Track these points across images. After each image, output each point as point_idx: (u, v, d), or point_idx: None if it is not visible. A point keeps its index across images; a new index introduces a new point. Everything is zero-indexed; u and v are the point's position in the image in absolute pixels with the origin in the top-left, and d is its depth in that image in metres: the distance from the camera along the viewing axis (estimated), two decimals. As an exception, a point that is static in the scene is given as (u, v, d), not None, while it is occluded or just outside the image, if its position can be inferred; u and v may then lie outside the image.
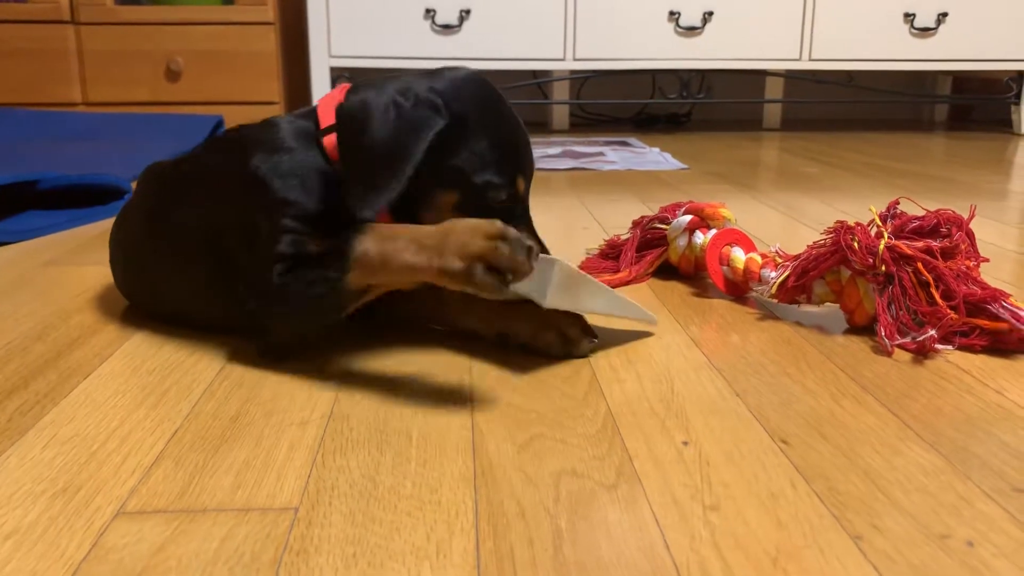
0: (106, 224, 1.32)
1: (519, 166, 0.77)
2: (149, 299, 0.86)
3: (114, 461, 0.57)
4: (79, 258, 1.11)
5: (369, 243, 0.67)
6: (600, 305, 0.76)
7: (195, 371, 0.72)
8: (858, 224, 0.83)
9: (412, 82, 0.74)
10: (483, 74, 0.80)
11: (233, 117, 2.44)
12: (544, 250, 0.76)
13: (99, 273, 1.03)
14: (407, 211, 0.74)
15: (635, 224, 1.05)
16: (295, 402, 0.66)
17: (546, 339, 0.75)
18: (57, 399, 0.67)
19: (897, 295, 0.79)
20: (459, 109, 0.73)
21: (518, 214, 0.78)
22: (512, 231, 0.63)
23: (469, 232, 0.63)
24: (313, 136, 0.75)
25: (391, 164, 0.69)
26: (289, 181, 0.73)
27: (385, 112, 0.71)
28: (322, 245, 0.71)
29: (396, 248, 0.66)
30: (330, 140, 0.74)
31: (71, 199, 1.38)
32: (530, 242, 0.63)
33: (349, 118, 0.72)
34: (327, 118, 0.75)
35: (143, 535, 0.48)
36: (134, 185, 0.98)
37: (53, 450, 0.58)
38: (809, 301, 0.86)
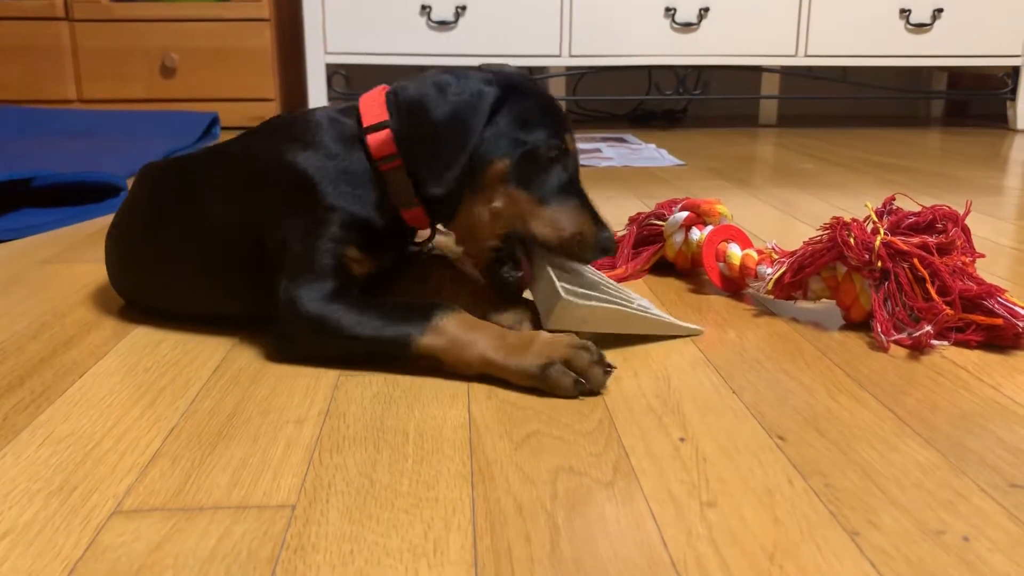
0: (102, 222, 1.31)
1: (566, 126, 0.78)
2: (155, 296, 0.85)
3: (110, 460, 0.56)
4: (74, 256, 1.11)
5: (452, 322, 0.70)
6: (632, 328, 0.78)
7: (191, 369, 0.72)
8: (854, 220, 0.83)
9: (451, 69, 0.77)
10: None
11: (228, 114, 2.44)
12: (599, 220, 0.77)
13: (94, 271, 1.03)
14: (448, 203, 0.76)
15: (632, 220, 1.05)
16: (292, 400, 0.66)
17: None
18: (52, 398, 0.66)
19: (893, 291, 0.79)
20: (504, 81, 0.76)
21: (571, 174, 0.78)
22: (591, 345, 0.67)
23: (552, 339, 0.68)
24: (357, 136, 0.76)
25: (455, 139, 0.73)
26: (340, 188, 0.75)
27: (440, 94, 0.74)
28: (365, 264, 0.75)
29: (477, 339, 0.69)
30: (375, 138, 0.76)
31: (66, 197, 1.37)
32: (609, 363, 0.67)
33: (408, 106, 0.75)
34: (371, 116, 0.76)
35: (140, 533, 0.48)
36: (129, 182, 0.97)
37: (49, 449, 0.58)
38: (805, 297, 0.86)
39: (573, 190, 0.77)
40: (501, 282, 0.77)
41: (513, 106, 0.75)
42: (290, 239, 0.74)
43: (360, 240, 0.75)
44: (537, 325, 0.76)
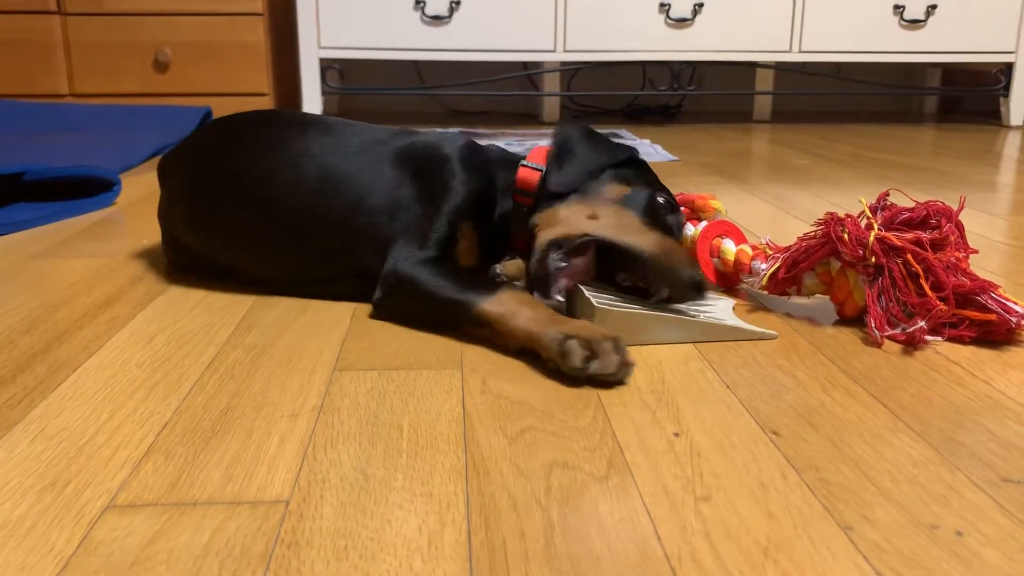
0: (94, 216, 1.31)
1: (676, 205, 0.92)
2: (237, 255, 0.92)
3: (104, 455, 0.56)
4: (66, 251, 1.11)
5: (511, 296, 0.76)
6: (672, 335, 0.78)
7: (184, 364, 0.72)
8: (848, 216, 0.83)
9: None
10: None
11: (221, 108, 2.43)
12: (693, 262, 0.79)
13: (87, 266, 1.02)
14: (499, 232, 0.88)
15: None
16: (286, 395, 0.66)
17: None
18: (46, 393, 0.66)
19: (887, 286, 0.79)
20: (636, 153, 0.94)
21: (669, 232, 0.85)
22: (620, 340, 0.69)
23: (586, 323, 0.72)
24: (514, 163, 0.90)
25: (596, 155, 0.89)
26: (475, 173, 0.88)
27: (594, 132, 0.92)
28: (471, 249, 0.86)
29: (526, 312, 0.74)
30: (523, 172, 0.89)
31: (58, 191, 1.37)
32: (628, 357, 0.69)
33: (568, 125, 0.92)
34: (534, 158, 0.91)
35: (133, 528, 0.48)
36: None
37: (42, 444, 0.58)
38: (799, 293, 0.86)
39: (676, 239, 0.86)
40: (542, 267, 0.78)
41: (643, 170, 0.90)
42: (420, 204, 0.85)
43: (476, 219, 0.86)
44: None
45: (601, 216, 0.82)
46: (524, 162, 0.89)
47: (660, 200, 0.85)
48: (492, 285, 0.78)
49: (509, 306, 0.75)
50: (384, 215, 0.85)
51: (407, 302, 0.81)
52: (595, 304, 0.75)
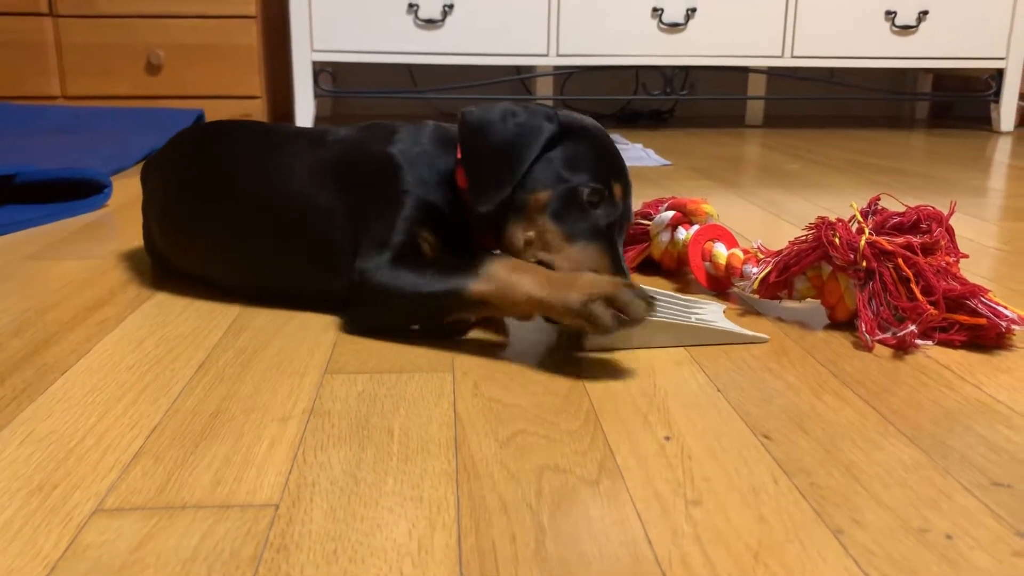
0: (85, 219, 1.30)
1: (615, 174, 0.80)
2: (213, 267, 0.90)
3: (92, 458, 0.56)
4: (57, 253, 1.10)
5: (500, 267, 0.73)
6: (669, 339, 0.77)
7: (174, 367, 0.72)
8: (839, 220, 0.83)
9: (520, 102, 0.81)
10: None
11: (214, 111, 2.43)
12: (621, 270, 0.76)
13: (78, 268, 1.02)
14: (496, 224, 0.80)
15: (618, 220, 1.05)
16: (276, 398, 0.66)
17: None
18: (34, 395, 0.66)
19: (878, 291, 0.79)
20: (566, 121, 0.81)
21: (611, 222, 0.78)
22: (635, 285, 0.69)
23: (594, 277, 0.71)
24: (455, 141, 0.84)
25: (509, 164, 0.78)
26: (421, 176, 0.82)
27: (503, 121, 0.80)
28: (435, 248, 0.80)
29: (523, 279, 0.72)
30: (460, 174, 0.82)
31: (50, 193, 1.36)
32: (651, 296, 0.69)
33: (472, 127, 0.80)
34: None
35: (121, 532, 0.48)
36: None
37: (30, 447, 0.57)
38: (790, 297, 0.86)
39: (605, 237, 0.78)
40: None
41: (568, 146, 0.80)
42: (370, 218, 0.81)
43: (433, 225, 0.81)
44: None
45: (534, 236, 0.78)
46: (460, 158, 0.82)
47: (585, 193, 0.77)
48: (474, 263, 0.74)
49: (504, 277, 0.72)
50: (338, 232, 0.82)
51: (386, 307, 0.78)
52: None
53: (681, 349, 0.77)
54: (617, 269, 0.76)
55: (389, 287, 0.77)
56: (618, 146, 0.84)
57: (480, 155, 0.79)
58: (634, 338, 0.76)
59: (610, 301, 0.68)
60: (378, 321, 0.79)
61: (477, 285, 0.73)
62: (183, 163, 0.94)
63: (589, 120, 0.84)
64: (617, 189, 0.79)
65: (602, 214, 0.78)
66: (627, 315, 0.67)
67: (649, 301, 0.68)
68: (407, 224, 0.79)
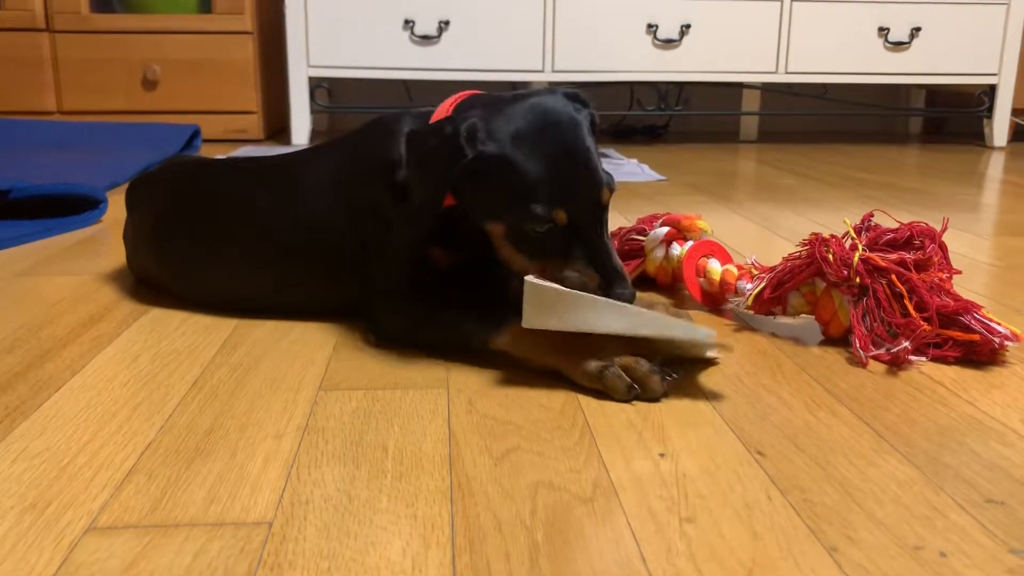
0: (80, 234, 1.30)
1: (560, 198, 0.72)
2: (216, 289, 0.92)
3: (85, 476, 0.56)
4: (51, 269, 1.10)
5: (520, 330, 0.72)
6: (610, 325, 0.70)
7: (169, 384, 0.72)
8: (833, 236, 0.83)
9: (467, 114, 0.75)
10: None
11: (210, 127, 2.43)
12: (615, 275, 0.74)
13: (72, 284, 1.02)
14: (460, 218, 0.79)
15: (613, 235, 1.05)
16: (270, 415, 0.66)
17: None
18: (27, 412, 0.66)
19: (871, 307, 0.79)
20: (493, 147, 0.73)
21: (572, 243, 0.74)
22: (655, 360, 0.70)
23: (616, 349, 0.71)
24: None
25: (424, 191, 0.76)
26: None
27: (423, 143, 0.76)
28: (450, 258, 0.81)
29: (542, 345, 0.73)
30: None
31: (44, 209, 1.36)
32: (670, 371, 0.70)
33: (407, 145, 0.78)
34: (441, 114, 0.80)
35: (114, 551, 0.47)
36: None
37: (23, 464, 0.57)
38: (784, 313, 0.86)
39: (579, 248, 0.74)
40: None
41: (502, 173, 0.73)
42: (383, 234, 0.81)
43: (442, 239, 0.81)
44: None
45: (507, 261, 0.79)
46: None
47: (528, 226, 0.74)
48: (495, 312, 0.77)
49: (525, 341, 0.74)
50: (348, 257, 0.84)
51: (411, 333, 0.81)
52: (526, 280, 0.70)
53: (676, 365, 0.77)
54: (611, 278, 0.73)
55: (411, 313, 0.81)
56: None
57: (410, 176, 0.78)
58: (574, 317, 0.70)
59: (626, 370, 0.69)
60: (399, 336, 0.82)
61: (500, 339, 0.76)
62: (184, 189, 0.96)
63: (544, 120, 0.75)
64: (558, 215, 0.72)
65: (563, 232, 0.73)
66: (642, 389, 0.69)
67: (667, 375, 0.70)
68: (412, 249, 0.81)
